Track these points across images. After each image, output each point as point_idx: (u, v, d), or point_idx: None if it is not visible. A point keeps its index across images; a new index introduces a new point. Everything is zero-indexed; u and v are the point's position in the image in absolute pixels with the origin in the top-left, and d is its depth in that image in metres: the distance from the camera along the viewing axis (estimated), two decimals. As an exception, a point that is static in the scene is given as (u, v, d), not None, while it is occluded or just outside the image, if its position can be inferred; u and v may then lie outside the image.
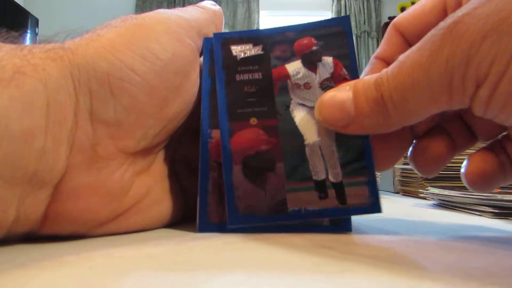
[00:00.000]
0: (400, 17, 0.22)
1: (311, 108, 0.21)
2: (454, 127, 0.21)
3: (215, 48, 0.22)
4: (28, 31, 2.51)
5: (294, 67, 0.22)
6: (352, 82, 0.19)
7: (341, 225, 0.21)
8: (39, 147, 0.16)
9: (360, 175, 0.20)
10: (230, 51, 0.22)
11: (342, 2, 3.19)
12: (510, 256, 0.16)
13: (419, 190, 0.49)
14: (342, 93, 0.19)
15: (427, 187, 0.46)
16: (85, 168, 0.18)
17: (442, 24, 0.16)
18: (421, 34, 0.20)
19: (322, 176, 0.20)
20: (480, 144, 0.22)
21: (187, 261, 0.15)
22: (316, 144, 0.20)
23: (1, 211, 0.15)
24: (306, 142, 0.20)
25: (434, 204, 0.42)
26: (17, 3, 2.49)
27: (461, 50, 0.15)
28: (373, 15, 3.18)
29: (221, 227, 0.20)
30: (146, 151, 0.21)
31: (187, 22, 0.21)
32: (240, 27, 3.13)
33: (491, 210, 0.31)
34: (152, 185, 0.21)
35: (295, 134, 0.21)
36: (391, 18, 3.11)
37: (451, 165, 0.48)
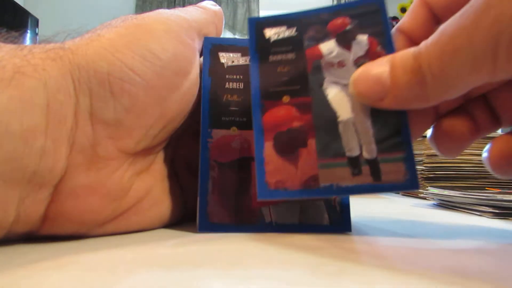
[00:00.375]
0: None
1: (345, 86, 0.20)
2: (478, 109, 0.20)
3: (249, 31, 0.22)
4: (28, 31, 2.51)
5: (328, 47, 0.21)
6: (390, 56, 0.18)
7: (341, 225, 0.21)
8: (39, 147, 0.16)
9: (396, 151, 0.19)
10: (264, 34, 0.22)
11: (342, 2, 3.19)
12: (510, 256, 0.16)
13: (419, 190, 0.49)
14: (379, 66, 0.18)
15: (427, 187, 0.46)
16: (85, 168, 0.18)
17: None
18: (451, 6, 0.19)
19: (356, 152, 0.19)
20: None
21: (187, 261, 0.15)
22: (350, 121, 0.20)
23: (1, 210, 0.15)
24: (339, 119, 0.20)
25: (434, 204, 0.42)
26: (17, 3, 2.49)
27: (508, 12, 0.13)
28: (373, 15, 3.18)
29: (222, 227, 0.20)
30: (146, 151, 0.21)
31: (187, 22, 0.21)
32: (240, 27, 3.13)
33: (491, 210, 0.31)
34: (152, 185, 0.21)
35: (328, 110, 0.20)
36: (391, 18, 3.11)
37: (451, 165, 0.48)
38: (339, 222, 0.21)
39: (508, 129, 0.20)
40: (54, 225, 0.18)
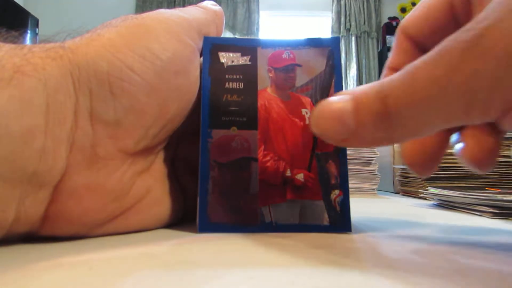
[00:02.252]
0: (406, 21, 0.21)
1: None
2: None
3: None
4: (28, 31, 2.51)
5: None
6: (351, 91, 0.17)
7: (341, 225, 0.21)
8: (38, 147, 0.16)
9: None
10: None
11: (342, 2, 3.19)
12: (510, 256, 0.16)
13: (419, 190, 0.49)
14: (341, 103, 0.17)
15: (427, 187, 0.46)
16: (85, 168, 0.18)
17: (462, 36, 0.14)
18: (432, 35, 0.19)
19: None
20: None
21: (187, 261, 0.15)
22: None
23: (1, 211, 0.15)
24: None
25: (434, 204, 0.42)
26: (17, 3, 2.49)
27: (486, 70, 0.13)
28: (373, 15, 3.18)
29: (222, 227, 0.20)
30: (147, 151, 0.21)
31: (188, 22, 0.21)
32: (240, 27, 3.13)
33: (491, 210, 0.31)
34: (152, 185, 0.21)
35: None
36: (391, 19, 3.11)
37: (451, 165, 0.48)
38: (339, 222, 0.21)
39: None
40: (54, 225, 0.18)
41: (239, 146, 0.22)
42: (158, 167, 0.22)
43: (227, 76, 0.22)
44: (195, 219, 0.22)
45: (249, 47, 0.23)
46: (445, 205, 0.39)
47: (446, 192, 0.39)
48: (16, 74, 0.15)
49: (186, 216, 0.24)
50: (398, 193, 0.59)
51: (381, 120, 0.15)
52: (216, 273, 0.13)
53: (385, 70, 0.21)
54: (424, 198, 0.47)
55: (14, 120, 0.15)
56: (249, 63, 0.23)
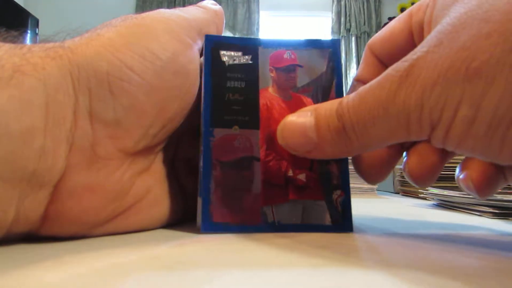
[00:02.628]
0: (373, 39, 0.23)
1: None
2: None
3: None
4: (28, 31, 2.51)
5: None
6: (313, 107, 0.19)
7: (342, 226, 0.21)
8: (38, 147, 0.16)
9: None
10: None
11: (342, 3, 3.19)
12: (510, 257, 0.16)
13: (419, 190, 0.49)
14: (304, 118, 0.19)
15: (427, 187, 0.46)
16: (84, 168, 0.18)
17: (400, 66, 0.16)
18: (392, 55, 0.21)
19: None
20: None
21: (187, 261, 0.15)
22: None
23: (1, 211, 0.15)
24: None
25: (434, 204, 0.42)
26: (17, 3, 2.49)
27: (415, 95, 0.15)
28: (373, 15, 3.18)
29: (225, 227, 0.20)
30: (146, 151, 0.21)
31: (188, 22, 0.21)
32: (240, 27, 3.13)
33: (491, 210, 0.31)
34: (152, 185, 0.21)
35: None
36: (391, 19, 3.11)
37: (451, 165, 0.48)
38: (340, 222, 0.21)
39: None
40: (53, 225, 0.18)
41: (241, 145, 0.22)
42: (158, 167, 0.22)
43: (228, 75, 0.22)
44: (195, 219, 0.22)
45: (251, 46, 0.23)
46: (445, 205, 0.39)
47: (446, 192, 0.39)
48: (16, 74, 0.15)
49: (186, 216, 0.24)
50: (398, 193, 0.60)
51: (338, 135, 0.18)
52: (216, 274, 0.13)
53: (353, 82, 0.23)
54: (424, 198, 0.47)
55: (14, 119, 0.15)
56: (250, 62, 0.23)
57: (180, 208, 0.23)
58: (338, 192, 0.21)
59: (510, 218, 0.30)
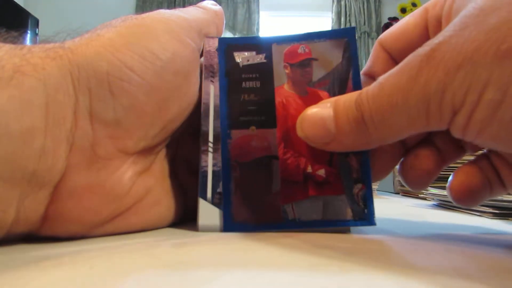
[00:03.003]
0: (385, 34, 0.23)
1: None
2: (443, 140, 0.21)
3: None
4: (28, 31, 2.51)
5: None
6: (333, 99, 0.19)
7: (364, 219, 0.20)
8: (38, 147, 0.16)
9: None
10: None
11: (342, 3, 3.19)
12: (510, 257, 0.16)
13: (419, 191, 0.49)
14: (323, 110, 0.19)
15: (427, 187, 0.46)
16: (84, 168, 0.18)
17: (420, 51, 0.16)
18: (405, 51, 0.21)
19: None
20: (466, 158, 0.22)
21: (187, 261, 0.15)
22: None
23: (1, 211, 0.15)
24: None
25: (434, 204, 0.42)
26: (17, 3, 2.49)
27: (437, 78, 0.15)
28: (373, 15, 3.18)
29: (246, 227, 0.20)
30: (147, 151, 0.21)
31: (188, 22, 0.21)
32: (240, 27, 3.13)
33: (491, 210, 0.31)
34: (153, 185, 0.21)
35: None
36: (391, 19, 3.11)
37: (451, 166, 0.48)
38: (362, 216, 0.21)
39: (472, 157, 0.21)
40: (54, 225, 0.18)
41: (259, 145, 0.22)
42: (158, 167, 0.22)
43: (243, 76, 0.22)
44: (195, 219, 0.22)
45: (264, 45, 0.23)
46: (445, 205, 0.39)
47: (446, 192, 0.39)
48: (16, 74, 0.15)
49: (186, 216, 0.24)
50: (398, 193, 0.60)
51: (357, 125, 0.18)
52: (217, 274, 0.13)
53: (362, 75, 0.23)
54: (424, 199, 0.47)
55: (14, 119, 0.15)
56: (264, 60, 0.22)
57: (180, 208, 0.23)
58: (359, 185, 0.21)
59: (510, 218, 0.30)
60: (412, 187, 0.22)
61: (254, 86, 0.22)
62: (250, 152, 0.22)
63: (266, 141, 0.22)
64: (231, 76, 0.22)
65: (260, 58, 0.23)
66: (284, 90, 0.22)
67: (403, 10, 3.13)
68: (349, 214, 0.21)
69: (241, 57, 0.23)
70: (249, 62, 0.23)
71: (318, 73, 0.22)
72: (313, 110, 0.19)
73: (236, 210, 0.21)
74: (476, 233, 0.23)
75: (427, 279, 0.13)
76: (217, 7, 0.25)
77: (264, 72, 0.22)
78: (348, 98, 0.18)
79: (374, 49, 0.23)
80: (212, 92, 0.23)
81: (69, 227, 0.18)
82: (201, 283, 0.12)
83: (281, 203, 0.21)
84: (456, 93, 0.15)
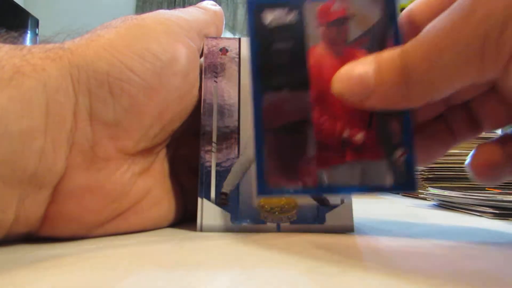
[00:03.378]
0: (413, 5, 0.21)
1: None
2: (458, 118, 0.20)
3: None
4: (28, 31, 2.51)
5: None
6: (375, 55, 0.17)
7: (405, 185, 0.19)
8: (38, 148, 0.16)
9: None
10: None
11: (342, 3, 3.18)
12: (510, 257, 0.16)
13: (419, 191, 0.49)
14: (363, 66, 0.17)
15: (427, 187, 0.46)
16: (84, 168, 0.18)
17: None
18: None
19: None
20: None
21: (187, 261, 0.15)
22: None
23: (1, 211, 0.15)
24: None
25: (434, 204, 0.42)
26: (17, 3, 2.49)
27: (496, 10, 0.13)
28: (373, 16, 3.18)
29: (280, 190, 0.20)
30: (147, 151, 0.21)
31: (188, 23, 0.21)
32: (240, 27, 3.13)
33: (491, 210, 0.31)
34: (153, 186, 0.21)
35: None
36: (391, 19, 3.11)
37: (451, 166, 0.48)
38: (403, 182, 0.19)
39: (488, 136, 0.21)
40: (54, 225, 0.17)
41: (292, 109, 0.21)
42: (158, 167, 0.22)
43: (274, 37, 0.21)
44: (195, 219, 0.21)
45: (296, 2, 0.21)
46: (445, 205, 0.39)
47: (446, 192, 0.39)
48: (16, 75, 0.15)
49: (185, 216, 0.24)
50: (398, 193, 0.59)
51: (401, 75, 0.16)
52: (216, 273, 0.13)
53: None
54: (424, 199, 0.47)
55: (14, 121, 0.15)
56: (296, 20, 0.22)
57: (180, 208, 0.23)
58: (401, 150, 0.19)
59: (510, 218, 0.30)
60: (483, 181, 0.20)
61: (286, 47, 0.21)
62: (282, 116, 0.21)
63: (300, 104, 0.21)
64: (261, 38, 0.21)
65: (291, 17, 0.22)
66: (318, 50, 0.21)
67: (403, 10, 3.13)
68: (389, 180, 0.20)
69: (271, 17, 0.22)
70: (279, 22, 0.21)
71: (355, 31, 0.21)
72: (351, 65, 0.18)
73: (270, 176, 0.20)
74: (476, 234, 0.23)
75: (426, 280, 0.13)
76: (217, 7, 0.25)
77: (296, 32, 0.21)
78: (392, 50, 0.17)
79: (400, 22, 0.21)
80: (215, 91, 0.22)
81: (69, 227, 0.18)
82: (200, 283, 0.12)
83: (316, 167, 0.20)
84: None
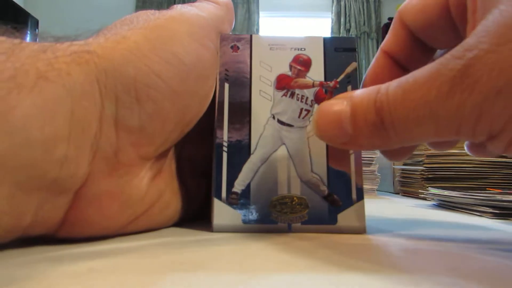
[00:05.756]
0: (405, 5, 0.21)
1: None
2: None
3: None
4: (28, 31, 2.50)
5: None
6: (349, 94, 0.18)
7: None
8: (60, 155, 0.15)
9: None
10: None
11: (342, 3, 3.19)
12: (510, 257, 0.16)
13: (419, 191, 0.49)
14: (339, 107, 0.17)
15: (427, 187, 0.46)
16: (106, 175, 0.18)
17: (452, 64, 0.14)
18: (426, 27, 0.20)
19: None
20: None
21: (188, 261, 0.15)
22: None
23: (16, 217, 0.15)
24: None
25: (434, 204, 0.42)
26: (17, 4, 2.49)
27: (472, 102, 0.13)
28: (373, 16, 3.18)
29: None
30: (160, 155, 0.20)
31: (206, 22, 0.21)
32: (240, 28, 3.13)
33: (491, 210, 0.31)
34: (164, 189, 0.21)
35: None
36: (391, 19, 3.11)
37: (451, 166, 0.48)
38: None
39: None
40: (71, 229, 0.17)
41: None
42: (167, 169, 0.22)
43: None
44: (195, 219, 0.21)
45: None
46: (445, 205, 0.39)
47: (446, 192, 0.39)
48: (39, 81, 0.15)
49: (187, 216, 0.24)
50: (398, 193, 0.59)
51: (376, 129, 0.16)
52: (216, 273, 0.13)
53: (378, 52, 0.22)
54: (424, 199, 0.47)
55: (36, 128, 0.14)
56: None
57: (184, 209, 0.23)
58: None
59: (510, 218, 0.30)
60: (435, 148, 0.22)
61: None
62: None
63: None
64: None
65: None
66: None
67: (403, 11, 3.12)
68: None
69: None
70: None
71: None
72: (328, 106, 0.18)
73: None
74: (476, 234, 0.23)
75: (427, 280, 0.13)
76: (228, 1, 0.24)
77: None
78: (366, 97, 0.17)
79: (394, 23, 0.22)
80: (227, 91, 0.22)
81: (86, 231, 0.18)
82: (200, 283, 0.12)
83: None
84: (495, 121, 0.13)
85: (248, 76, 0.23)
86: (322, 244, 0.18)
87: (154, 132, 0.19)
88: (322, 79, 0.23)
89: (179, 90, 0.19)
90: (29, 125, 0.14)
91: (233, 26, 0.24)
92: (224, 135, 0.22)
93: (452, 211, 0.36)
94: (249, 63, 0.23)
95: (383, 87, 0.16)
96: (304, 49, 0.23)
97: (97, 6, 3.06)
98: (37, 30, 2.63)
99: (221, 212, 0.21)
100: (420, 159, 0.50)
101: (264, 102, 0.22)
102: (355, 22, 3.16)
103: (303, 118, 0.22)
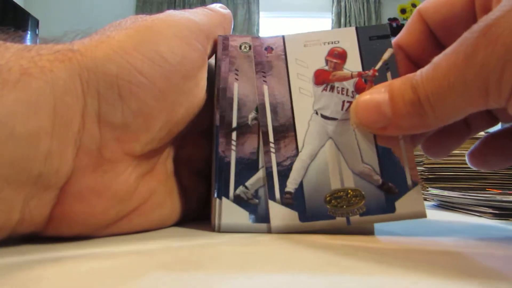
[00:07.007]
0: (426, 3, 0.22)
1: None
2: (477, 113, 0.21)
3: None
4: (28, 32, 2.51)
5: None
6: (387, 83, 0.19)
7: None
8: (44, 150, 0.16)
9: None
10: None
11: (342, 4, 3.19)
12: (510, 258, 0.16)
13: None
14: (378, 95, 0.19)
15: (427, 188, 0.46)
16: (91, 170, 0.18)
17: (475, 27, 0.15)
18: (446, 24, 0.20)
19: None
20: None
21: (188, 261, 0.15)
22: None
23: (5, 212, 0.15)
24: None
25: (434, 205, 0.42)
26: (17, 4, 2.49)
27: (496, 55, 0.15)
28: (373, 16, 3.19)
29: None
30: (151, 153, 0.20)
31: (197, 26, 0.21)
32: (240, 28, 3.13)
33: (491, 211, 0.31)
34: (156, 187, 0.21)
35: None
36: (391, 20, 3.11)
37: (451, 166, 0.48)
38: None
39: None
40: (59, 226, 0.17)
41: None
42: (161, 169, 0.22)
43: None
44: (195, 219, 0.21)
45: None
46: (445, 206, 0.39)
47: (446, 193, 0.39)
48: (23, 77, 0.15)
49: (186, 217, 0.24)
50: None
51: (414, 107, 0.17)
52: (216, 274, 0.13)
53: (393, 46, 0.23)
54: (424, 199, 0.47)
55: (20, 122, 0.15)
56: None
57: (182, 209, 0.23)
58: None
59: (510, 218, 0.30)
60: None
61: None
62: None
63: None
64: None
65: None
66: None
67: (403, 11, 3.13)
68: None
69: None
70: None
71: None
72: (366, 96, 0.19)
73: None
74: (475, 234, 0.23)
75: (426, 281, 0.13)
76: (226, 11, 0.25)
77: None
78: (403, 81, 0.18)
79: (412, 18, 0.22)
80: (267, 92, 0.22)
81: (74, 228, 0.18)
82: (201, 283, 0.12)
83: None
84: None
85: (285, 75, 0.23)
86: (323, 244, 0.18)
87: (139, 129, 0.19)
88: (360, 69, 0.22)
89: (164, 88, 0.19)
90: (13, 119, 0.15)
91: (230, 32, 0.25)
92: (270, 136, 0.22)
93: (452, 211, 0.36)
94: (285, 62, 0.23)
95: (418, 70, 0.18)
96: (338, 42, 0.23)
97: (97, 7, 3.06)
98: (37, 30, 2.63)
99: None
100: (420, 159, 0.50)
101: (305, 99, 0.22)
102: (355, 22, 3.16)
103: (346, 110, 0.22)
